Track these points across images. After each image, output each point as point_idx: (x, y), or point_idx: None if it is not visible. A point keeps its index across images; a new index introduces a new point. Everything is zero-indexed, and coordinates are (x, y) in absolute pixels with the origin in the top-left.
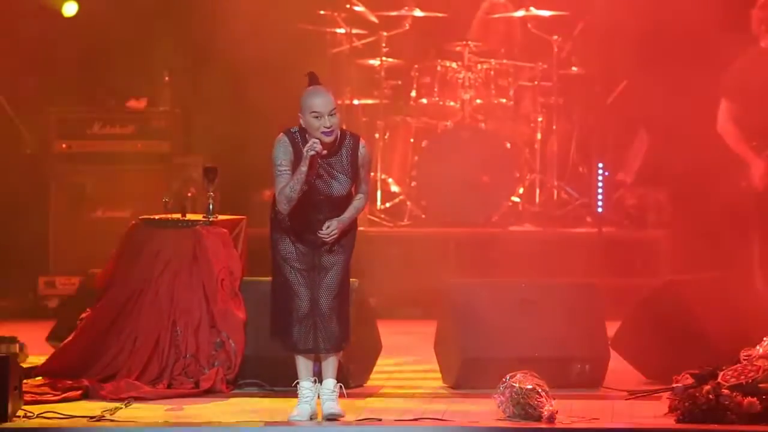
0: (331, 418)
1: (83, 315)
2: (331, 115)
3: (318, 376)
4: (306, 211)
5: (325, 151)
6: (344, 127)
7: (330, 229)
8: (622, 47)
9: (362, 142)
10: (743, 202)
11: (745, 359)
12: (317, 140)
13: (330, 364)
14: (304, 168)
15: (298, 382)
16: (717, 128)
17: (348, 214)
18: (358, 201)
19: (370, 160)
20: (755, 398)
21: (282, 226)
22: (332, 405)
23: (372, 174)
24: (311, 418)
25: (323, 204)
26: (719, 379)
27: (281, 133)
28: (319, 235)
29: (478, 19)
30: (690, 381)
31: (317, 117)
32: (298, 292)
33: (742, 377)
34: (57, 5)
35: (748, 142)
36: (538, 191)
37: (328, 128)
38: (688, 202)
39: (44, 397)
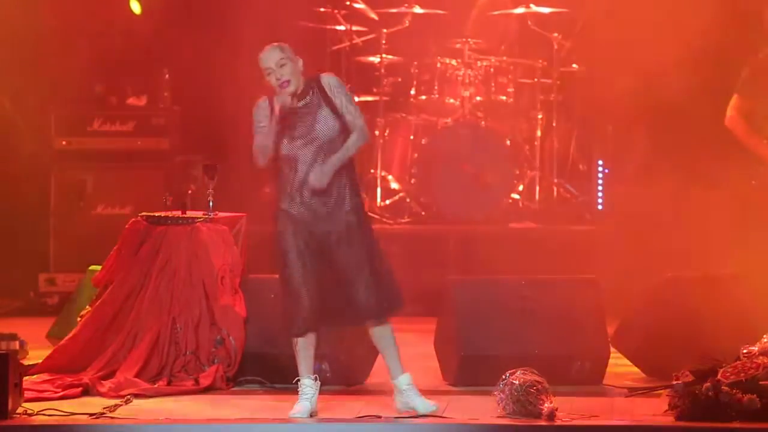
0: (430, 415)
1: (83, 312)
2: (280, 66)
3: (319, 374)
4: (304, 167)
5: (285, 79)
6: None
7: (317, 175)
8: (622, 44)
9: (323, 74)
10: (745, 198)
11: (745, 356)
12: (286, 96)
13: (396, 354)
14: (274, 121)
15: (299, 380)
16: (725, 122)
17: (339, 153)
18: (350, 141)
19: (341, 85)
20: (755, 395)
21: (286, 209)
22: (423, 400)
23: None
24: (311, 416)
25: (317, 153)
26: (719, 376)
27: (263, 96)
28: (310, 183)
29: (474, 15)
30: (690, 378)
31: (269, 73)
32: (305, 281)
33: (742, 374)
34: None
35: (759, 137)
36: (538, 188)
37: (280, 79)
38: (688, 199)
39: (44, 395)
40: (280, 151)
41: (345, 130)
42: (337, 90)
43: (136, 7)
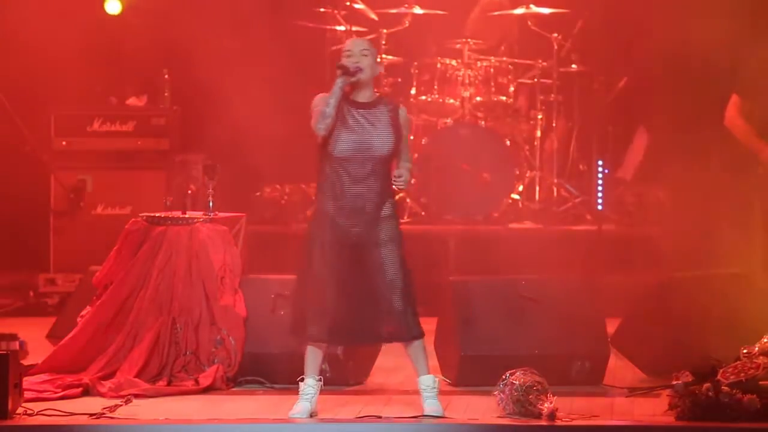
0: (433, 416)
1: (83, 312)
2: (363, 55)
3: (323, 374)
4: (356, 172)
5: (358, 65)
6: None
7: (402, 178)
8: (622, 44)
9: (402, 106)
10: (744, 198)
11: (744, 356)
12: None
13: (421, 358)
14: (337, 84)
15: (302, 378)
16: (725, 122)
17: (408, 165)
18: (409, 163)
19: (409, 124)
20: (755, 395)
21: (325, 210)
22: (434, 403)
23: None
24: (311, 416)
25: (373, 164)
26: (719, 377)
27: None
28: (395, 184)
29: (473, 16)
30: (690, 378)
31: (348, 56)
32: (330, 286)
33: (742, 374)
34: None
35: (757, 136)
36: (537, 188)
37: (357, 62)
38: (687, 199)
39: (44, 395)
40: (333, 150)
41: (395, 160)
42: (407, 125)
43: (113, 8)
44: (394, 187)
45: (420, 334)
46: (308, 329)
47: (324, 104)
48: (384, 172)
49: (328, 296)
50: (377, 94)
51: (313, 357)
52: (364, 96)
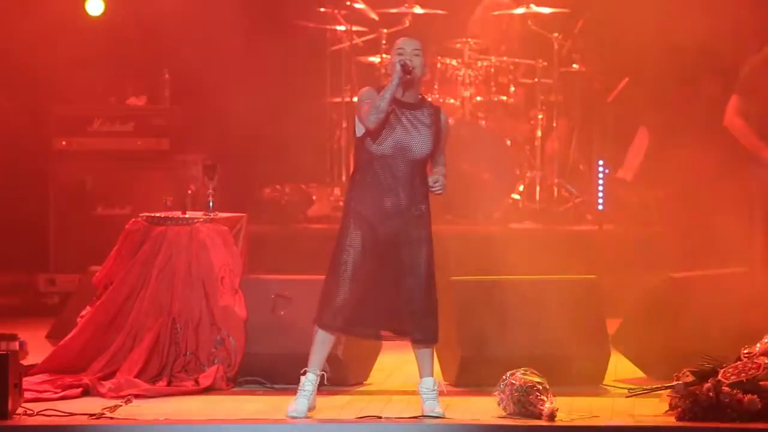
0: (433, 416)
1: (83, 312)
2: (415, 55)
3: (323, 374)
4: (386, 173)
5: (412, 64)
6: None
7: (439, 183)
8: (622, 44)
9: (443, 111)
10: (744, 197)
11: (745, 357)
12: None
13: (426, 361)
14: (395, 80)
15: (305, 371)
16: (724, 122)
17: (442, 172)
18: (444, 169)
19: (449, 132)
20: (756, 395)
21: (358, 207)
22: (434, 404)
23: None
24: (309, 410)
25: (412, 166)
26: (720, 377)
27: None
28: (432, 190)
29: (477, 16)
30: (690, 378)
31: (401, 54)
32: (352, 283)
33: (743, 375)
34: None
35: (757, 136)
36: (538, 189)
37: (410, 62)
38: (688, 199)
39: (44, 395)
40: (373, 147)
41: (429, 163)
42: (447, 133)
43: (94, 9)
44: (432, 191)
45: (431, 339)
46: (323, 314)
47: (378, 97)
48: (420, 173)
49: (353, 290)
50: (420, 96)
51: (321, 345)
52: (409, 96)
